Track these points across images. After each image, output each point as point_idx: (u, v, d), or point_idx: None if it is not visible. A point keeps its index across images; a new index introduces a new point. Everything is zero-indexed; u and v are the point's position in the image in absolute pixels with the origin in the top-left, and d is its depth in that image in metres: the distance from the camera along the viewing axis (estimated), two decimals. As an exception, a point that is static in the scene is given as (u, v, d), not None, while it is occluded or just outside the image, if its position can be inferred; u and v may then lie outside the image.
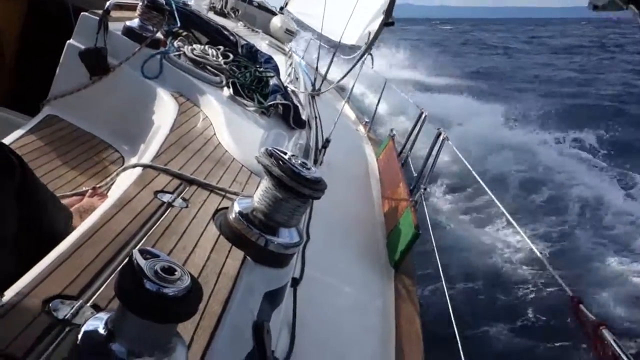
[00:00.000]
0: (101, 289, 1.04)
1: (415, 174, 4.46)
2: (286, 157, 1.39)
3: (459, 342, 2.51)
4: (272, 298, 1.49)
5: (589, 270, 6.65)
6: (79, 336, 0.81)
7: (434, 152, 4.07)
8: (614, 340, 1.43)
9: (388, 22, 2.85)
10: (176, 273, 0.79)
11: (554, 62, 31.01)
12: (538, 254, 2.41)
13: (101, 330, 0.81)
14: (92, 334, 0.81)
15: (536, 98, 18.02)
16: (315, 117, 4.32)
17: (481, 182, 3.38)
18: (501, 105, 15.41)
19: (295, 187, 1.35)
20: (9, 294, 0.94)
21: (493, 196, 3.22)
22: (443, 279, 3.07)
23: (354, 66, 3.47)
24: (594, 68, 28.99)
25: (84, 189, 1.95)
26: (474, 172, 3.52)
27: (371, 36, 3.18)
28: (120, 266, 1.11)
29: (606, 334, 1.43)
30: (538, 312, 5.59)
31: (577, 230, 7.90)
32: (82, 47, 2.54)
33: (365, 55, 3.44)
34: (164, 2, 2.79)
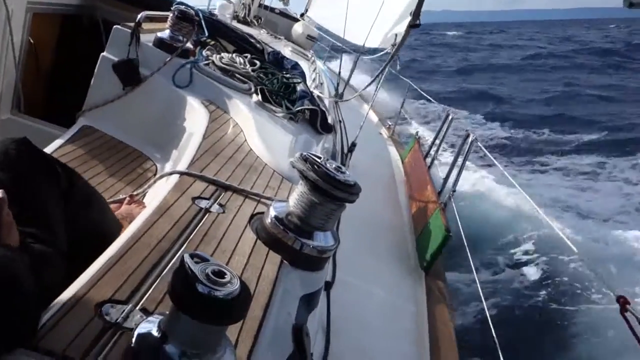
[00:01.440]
0: (148, 293, 1.07)
1: (442, 176, 4.42)
2: (321, 161, 1.40)
3: (497, 344, 2.46)
4: (309, 301, 1.51)
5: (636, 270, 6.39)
6: (134, 338, 0.84)
7: (463, 154, 4.04)
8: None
9: (415, 24, 2.85)
10: (226, 276, 0.81)
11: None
12: (574, 249, 2.35)
13: (155, 333, 0.84)
14: (145, 336, 0.84)
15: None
16: (340, 122, 4.34)
17: (513, 181, 3.34)
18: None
19: (331, 191, 1.36)
20: (63, 298, 0.98)
21: (527, 196, 3.17)
22: (477, 282, 3.03)
23: (382, 70, 3.47)
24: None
25: (121, 196, 2.00)
26: (506, 173, 3.48)
27: (398, 38, 3.18)
28: (170, 270, 1.15)
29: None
30: (582, 314, 5.37)
31: (623, 229, 7.65)
32: (115, 59, 2.61)
33: (391, 61, 3.44)
34: (193, 13, 2.84)
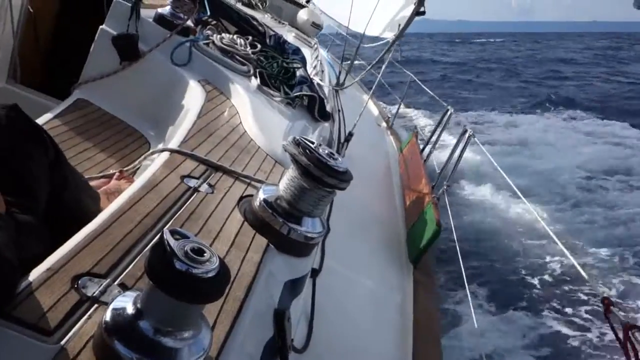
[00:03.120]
0: (128, 268, 1.06)
1: (437, 170, 4.41)
2: (313, 146, 1.39)
3: (480, 339, 2.48)
4: (293, 287, 1.50)
5: (622, 271, 6.42)
6: (107, 313, 0.83)
7: (459, 149, 4.02)
8: (645, 344, 1.40)
9: (420, 11, 2.80)
10: (205, 254, 0.80)
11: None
12: (566, 252, 2.36)
13: (129, 308, 0.83)
14: (120, 311, 0.83)
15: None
16: (339, 111, 4.31)
17: (508, 179, 3.33)
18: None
19: (321, 177, 1.35)
20: (40, 269, 0.97)
21: (520, 194, 3.16)
22: (465, 277, 3.04)
23: (381, 56, 3.43)
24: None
25: (111, 171, 1.98)
26: (501, 170, 3.47)
27: (401, 26, 3.14)
28: (150, 246, 1.13)
29: (638, 336, 1.40)
30: (566, 313, 5.40)
31: (609, 230, 7.67)
32: (114, 32, 2.57)
33: (392, 48, 3.41)
34: (195, -10, 2.80)
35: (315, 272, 2.21)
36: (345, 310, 2.43)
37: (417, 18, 2.93)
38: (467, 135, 3.96)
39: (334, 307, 2.25)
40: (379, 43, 4.33)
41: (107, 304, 0.89)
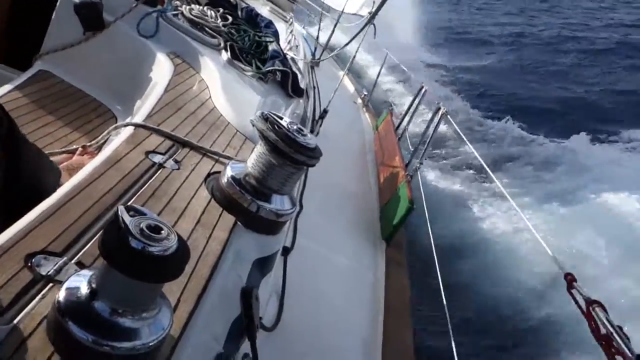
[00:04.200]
0: (86, 246, 1.02)
1: (412, 148, 4.42)
2: (282, 122, 1.35)
3: (447, 315, 2.52)
4: (262, 265, 1.48)
5: (584, 246, 6.60)
6: (61, 292, 0.79)
7: (432, 127, 4.03)
8: (607, 319, 1.44)
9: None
10: (162, 232, 0.76)
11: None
12: (532, 229, 2.40)
13: (84, 288, 0.79)
14: (74, 291, 0.79)
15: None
16: (314, 87, 4.25)
17: (479, 157, 3.36)
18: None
19: (290, 153, 1.32)
20: None
21: (490, 171, 3.20)
22: (435, 253, 3.07)
23: (356, 35, 3.39)
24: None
25: (74, 147, 1.90)
26: (471, 147, 3.50)
27: (376, 4, 3.11)
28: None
29: (599, 311, 1.44)
30: (530, 289, 5.55)
31: (575, 206, 7.85)
32: (77, 0, 2.46)
33: (368, 25, 3.36)
34: (162, -42, 2.69)
35: (286, 250, 2.19)
36: (317, 288, 2.43)
37: None
38: (439, 112, 3.96)
39: (305, 285, 2.24)
40: (355, 23, 4.28)
41: (62, 283, 0.85)
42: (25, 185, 1.26)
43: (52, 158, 1.66)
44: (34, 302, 0.85)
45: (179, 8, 2.87)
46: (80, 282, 0.81)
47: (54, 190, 1.23)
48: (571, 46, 19.64)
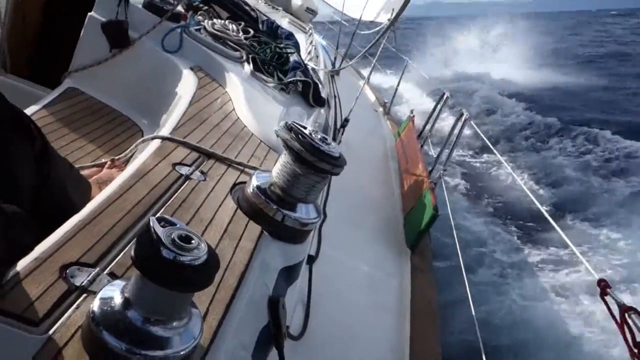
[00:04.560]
0: (118, 257, 1.04)
1: (434, 155, 4.39)
2: (306, 131, 1.36)
3: (476, 324, 2.48)
4: (288, 274, 1.49)
5: (619, 254, 6.42)
6: (95, 302, 0.81)
7: (455, 133, 4.00)
8: (643, 326, 1.40)
9: (411, -5, 2.79)
10: (193, 242, 0.78)
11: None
12: (563, 235, 2.35)
13: (117, 298, 0.81)
14: (107, 301, 0.81)
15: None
16: (335, 97, 4.27)
17: (504, 162, 3.31)
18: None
19: (314, 162, 1.33)
20: (27, 260, 0.95)
21: (517, 178, 3.15)
22: (461, 261, 3.03)
23: (375, 41, 3.40)
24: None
25: (102, 160, 1.95)
26: (497, 154, 3.46)
27: (395, 12, 3.11)
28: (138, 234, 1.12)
29: (635, 318, 1.39)
30: (563, 295, 5.39)
31: (609, 214, 7.64)
32: (103, 19, 2.53)
33: (388, 31, 3.37)
34: (185, -25, 2.75)
35: (311, 259, 2.20)
36: (342, 297, 2.42)
37: (412, 1, 2.90)
38: (463, 118, 3.93)
39: (331, 294, 2.24)
40: (374, 30, 4.28)
41: (96, 294, 0.88)
42: (57, 198, 1.30)
43: (82, 172, 1.70)
44: (68, 312, 0.87)
45: (202, 23, 2.93)
46: (114, 292, 0.82)
47: (84, 203, 1.26)
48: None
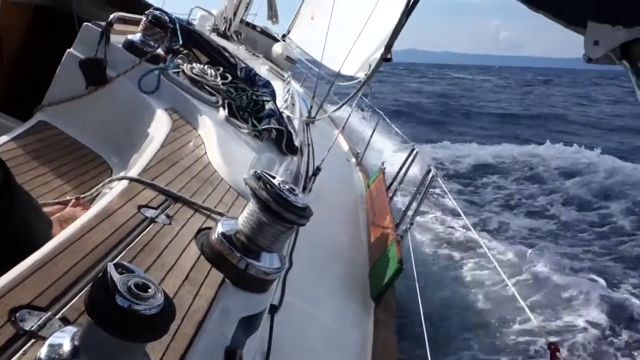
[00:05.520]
0: (72, 301, 1.02)
1: (403, 208, 4.46)
2: (275, 181, 1.38)
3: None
4: (248, 324, 1.47)
5: (568, 316, 6.56)
6: (43, 349, 0.79)
7: (423, 189, 4.09)
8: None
9: (386, 57, 2.91)
10: (150, 290, 0.77)
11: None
12: (519, 298, 2.40)
13: (66, 345, 0.79)
14: (56, 348, 0.79)
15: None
16: (308, 145, 4.34)
17: (466, 220, 3.39)
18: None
19: (281, 212, 1.34)
20: None
21: (477, 235, 3.22)
22: (422, 316, 3.04)
23: (351, 96, 3.51)
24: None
25: (67, 198, 1.92)
26: (460, 210, 3.54)
27: (371, 67, 3.25)
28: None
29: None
30: (515, 357, 5.50)
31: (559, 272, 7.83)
32: (82, 56, 2.54)
33: (364, 86, 3.49)
34: (167, 20, 2.81)
35: (274, 309, 2.17)
36: (303, 348, 2.39)
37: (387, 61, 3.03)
38: (430, 175, 4.04)
39: (292, 345, 2.20)
40: (351, 82, 4.43)
41: (45, 339, 0.85)
42: (16, 235, 1.27)
43: (45, 209, 1.67)
44: (15, 357, 0.84)
45: (181, 66, 2.97)
46: (64, 338, 0.80)
47: (44, 241, 1.24)
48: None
